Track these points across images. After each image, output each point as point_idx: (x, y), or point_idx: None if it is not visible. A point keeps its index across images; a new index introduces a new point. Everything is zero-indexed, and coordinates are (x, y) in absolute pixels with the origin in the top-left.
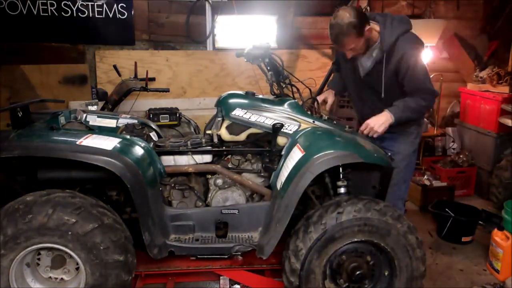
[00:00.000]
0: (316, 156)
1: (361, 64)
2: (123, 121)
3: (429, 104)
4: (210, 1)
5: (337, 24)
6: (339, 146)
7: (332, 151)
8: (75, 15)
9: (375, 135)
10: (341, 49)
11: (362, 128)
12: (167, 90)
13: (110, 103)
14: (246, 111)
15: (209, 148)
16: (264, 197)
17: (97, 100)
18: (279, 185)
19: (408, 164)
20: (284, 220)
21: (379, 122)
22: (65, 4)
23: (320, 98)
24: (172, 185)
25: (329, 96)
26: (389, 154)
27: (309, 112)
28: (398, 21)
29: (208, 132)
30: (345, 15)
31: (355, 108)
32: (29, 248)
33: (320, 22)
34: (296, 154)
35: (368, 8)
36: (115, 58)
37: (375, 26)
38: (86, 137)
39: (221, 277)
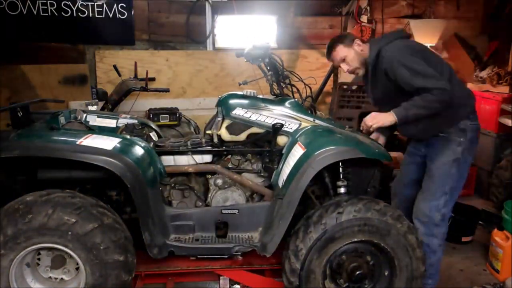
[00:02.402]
0: (317, 152)
1: (368, 87)
2: (123, 121)
3: (440, 98)
4: (210, 1)
5: (329, 41)
6: (340, 142)
7: (333, 147)
8: (75, 15)
9: (371, 129)
10: (335, 63)
11: (363, 123)
12: (167, 90)
13: (110, 103)
14: (246, 110)
15: (209, 148)
16: (264, 197)
17: (97, 100)
18: (280, 183)
19: (445, 174)
20: (287, 217)
21: (377, 118)
22: (65, 4)
23: (373, 137)
24: (172, 185)
25: (380, 137)
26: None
27: (309, 112)
28: (387, 36)
29: (208, 132)
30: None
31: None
32: (29, 248)
33: (320, 22)
34: (297, 152)
35: (368, 8)
36: (115, 58)
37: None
38: (86, 137)
39: (221, 277)
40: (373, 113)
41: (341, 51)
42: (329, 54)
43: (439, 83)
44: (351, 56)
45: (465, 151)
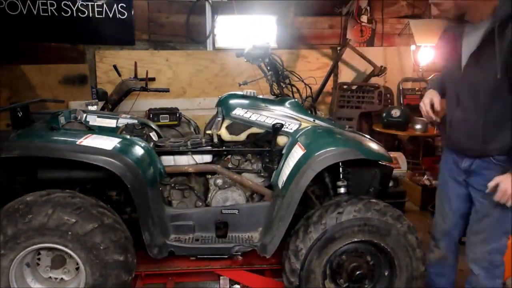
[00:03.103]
0: (317, 153)
1: (467, 45)
2: (123, 121)
3: None
4: (210, 1)
5: None
6: (340, 143)
7: (333, 148)
8: (75, 15)
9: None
10: None
11: (498, 196)
12: (167, 90)
13: (110, 103)
14: (246, 110)
15: (209, 148)
16: (264, 197)
17: (97, 100)
18: (280, 184)
19: (505, 211)
20: (287, 218)
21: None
22: (65, 4)
23: (425, 102)
24: (172, 185)
25: (434, 97)
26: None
27: (309, 112)
28: None
29: (208, 132)
30: None
31: (447, 112)
32: (29, 248)
33: (320, 22)
34: (297, 152)
35: (368, 8)
36: (115, 58)
37: None
38: (86, 137)
39: (221, 277)
40: (502, 187)
41: None
42: None
43: None
44: None
45: None
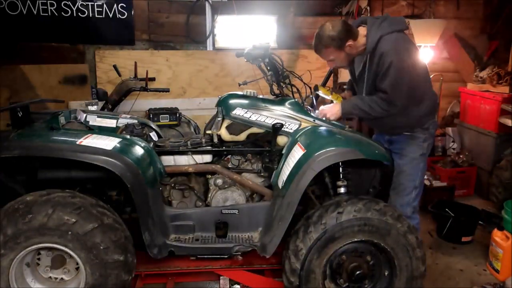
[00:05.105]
0: (317, 153)
1: (355, 67)
2: (123, 121)
3: (383, 112)
4: (210, 1)
5: (318, 34)
6: (340, 143)
7: (333, 148)
8: (75, 15)
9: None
10: (322, 58)
11: (318, 114)
12: (167, 90)
13: (110, 103)
14: (246, 110)
15: (209, 148)
16: (264, 197)
17: (97, 100)
18: (280, 184)
19: (414, 169)
20: (287, 218)
21: (331, 111)
22: (65, 4)
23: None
24: (172, 185)
25: (348, 95)
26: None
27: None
28: (389, 22)
29: (208, 132)
30: (328, 28)
31: None
32: (29, 248)
33: (320, 22)
34: (297, 152)
35: (368, 8)
36: (115, 58)
37: (363, 30)
38: (86, 137)
39: (221, 277)
40: (328, 108)
41: (332, 53)
42: (317, 49)
43: (399, 103)
44: (341, 58)
45: (429, 145)
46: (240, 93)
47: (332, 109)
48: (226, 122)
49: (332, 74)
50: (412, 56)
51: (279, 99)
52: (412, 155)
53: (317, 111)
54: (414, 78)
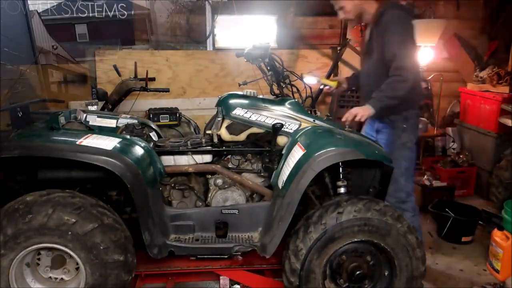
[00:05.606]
0: (317, 153)
1: (366, 34)
2: (123, 121)
3: (404, 84)
4: (210, 1)
5: None
6: (340, 144)
7: (333, 148)
8: (75, 15)
9: (357, 119)
10: (334, 5)
11: (346, 115)
12: (167, 90)
13: (110, 103)
14: (246, 110)
15: (209, 148)
16: (264, 197)
17: (97, 100)
18: (280, 184)
19: (397, 157)
20: (287, 218)
21: (361, 111)
22: (65, 4)
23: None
24: (172, 185)
25: (342, 81)
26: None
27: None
28: (398, 4)
29: (208, 132)
30: None
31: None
32: (29, 248)
33: (320, 22)
34: (297, 153)
35: None
36: (115, 58)
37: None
38: (86, 137)
39: (221, 277)
40: (358, 109)
41: (343, 1)
42: None
43: (410, 65)
44: (349, 7)
45: (411, 135)
46: (240, 93)
47: (363, 109)
48: (226, 122)
49: (332, 75)
50: (411, 33)
51: (279, 99)
52: (393, 145)
53: (347, 114)
54: (413, 49)
